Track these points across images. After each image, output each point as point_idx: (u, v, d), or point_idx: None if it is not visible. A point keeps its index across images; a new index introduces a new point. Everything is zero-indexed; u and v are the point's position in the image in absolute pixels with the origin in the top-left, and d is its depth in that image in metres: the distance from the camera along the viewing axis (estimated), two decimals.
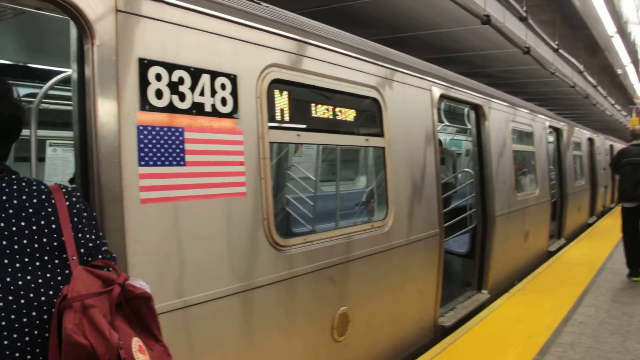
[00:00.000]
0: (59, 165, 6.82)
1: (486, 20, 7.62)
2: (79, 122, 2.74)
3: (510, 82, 14.66)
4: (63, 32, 2.97)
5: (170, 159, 3.00)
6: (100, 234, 2.24)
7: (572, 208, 13.06)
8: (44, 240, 1.94)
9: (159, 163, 2.94)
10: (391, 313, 5.13)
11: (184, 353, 3.08)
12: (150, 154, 2.90)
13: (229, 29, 3.43)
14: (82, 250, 2.05)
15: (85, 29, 2.66)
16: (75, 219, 2.05)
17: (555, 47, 10.92)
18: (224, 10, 3.41)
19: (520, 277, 8.78)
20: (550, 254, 10.83)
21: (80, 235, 2.05)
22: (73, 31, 2.77)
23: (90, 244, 2.11)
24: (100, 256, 2.15)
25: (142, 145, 2.86)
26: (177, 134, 3.04)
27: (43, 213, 1.96)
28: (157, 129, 2.94)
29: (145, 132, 2.88)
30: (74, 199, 2.09)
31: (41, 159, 6.57)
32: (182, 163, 3.06)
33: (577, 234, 13.47)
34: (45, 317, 1.88)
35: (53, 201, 2.01)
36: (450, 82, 6.60)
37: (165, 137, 2.98)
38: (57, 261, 1.96)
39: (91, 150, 2.68)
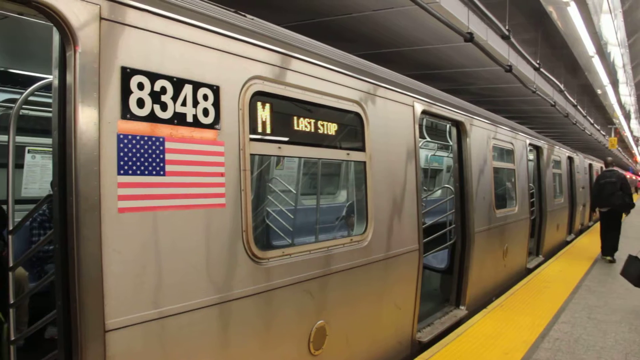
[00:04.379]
0: (37, 172, 6.77)
1: (469, 37, 7.72)
2: (59, 128, 2.72)
3: (492, 100, 14.83)
4: (45, 38, 2.96)
5: (150, 168, 2.99)
6: None
7: (550, 225, 13.17)
8: None
9: (138, 172, 2.93)
10: (368, 328, 5.12)
11: None
12: (130, 163, 2.89)
13: (212, 40, 3.43)
14: None
15: (68, 35, 2.65)
16: None
17: (537, 65, 11.06)
18: (208, 21, 3.42)
19: (498, 293, 8.83)
20: (529, 271, 10.90)
21: None
22: (56, 37, 2.76)
23: None
24: None
25: (122, 154, 2.85)
26: (157, 143, 3.03)
27: None
28: (138, 138, 2.93)
29: (126, 141, 2.87)
30: None
31: (20, 165, 6.52)
32: (162, 173, 3.05)
33: (556, 252, 13.57)
34: None
35: None
36: (433, 98, 6.65)
37: (146, 147, 2.97)
38: None
39: (70, 157, 2.67)
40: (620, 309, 7.80)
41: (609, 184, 12.42)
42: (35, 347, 5.16)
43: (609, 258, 12.27)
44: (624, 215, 12.99)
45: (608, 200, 12.38)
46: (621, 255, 11.56)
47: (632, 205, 12.66)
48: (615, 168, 13.24)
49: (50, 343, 5.58)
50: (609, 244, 12.41)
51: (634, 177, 62.46)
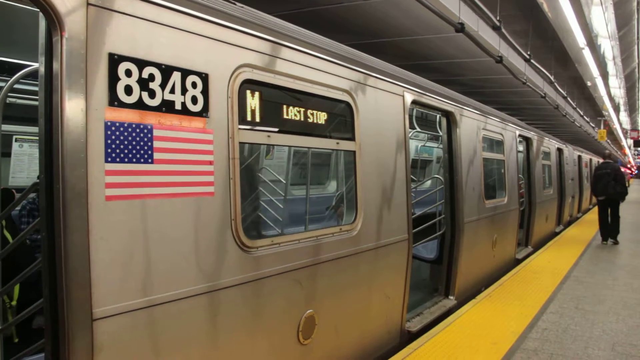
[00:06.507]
0: (24, 161, 6.72)
1: (460, 28, 7.70)
2: (45, 116, 2.69)
3: (483, 91, 14.84)
4: (31, 24, 2.92)
5: (138, 156, 2.96)
6: None
7: (539, 216, 13.24)
8: None
9: (126, 160, 2.90)
10: (358, 317, 5.13)
11: (147, 353, 3.05)
12: (118, 151, 2.86)
13: (202, 27, 3.40)
14: None
15: (54, 21, 2.62)
16: None
17: (527, 57, 11.07)
18: (197, 8, 3.39)
19: (487, 283, 8.87)
20: (518, 262, 10.96)
21: None
22: (42, 23, 2.73)
23: None
24: None
25: (109, 142, 2.83)
26: (145, 131, 3.00)
27: None
28: (126, 125, 2.90)
29: (113, 128, 2.84)
30: None
31: (7, 154, 6.46)
32: (149, 161, 3.03)
33: (544, 243, 13.65)
34: None
35: None
36: (423, 88, 6.64)
37: (134, 134, 2.94)
38: None
39: (57, 145, 2.64)
40: (608, 300, 7.86)
41: (604, 175, 13.88)
42: (23, 337, 5.12)
43: (608, 242, 13.77)
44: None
45: (604, 189, 13.83)
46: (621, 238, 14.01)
47: (625, 193, 14.17)
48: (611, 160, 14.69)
49: (38, 333, 5.55)
50: (612, 228, 13.92)
51: (622, 170, 62.95)
